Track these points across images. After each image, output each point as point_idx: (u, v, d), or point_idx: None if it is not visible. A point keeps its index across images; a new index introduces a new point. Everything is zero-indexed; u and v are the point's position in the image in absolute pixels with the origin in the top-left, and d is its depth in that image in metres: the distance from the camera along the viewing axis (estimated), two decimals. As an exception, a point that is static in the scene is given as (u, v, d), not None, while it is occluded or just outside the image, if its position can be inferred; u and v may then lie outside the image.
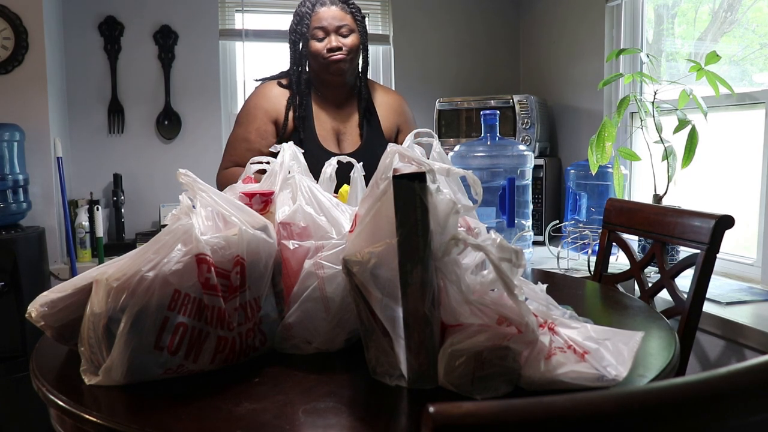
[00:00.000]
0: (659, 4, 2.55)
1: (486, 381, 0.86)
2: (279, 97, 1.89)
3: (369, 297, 0.91)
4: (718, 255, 1.44)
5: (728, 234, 1.45)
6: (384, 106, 1.97)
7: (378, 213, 0.91)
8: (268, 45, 3.03)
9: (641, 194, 2.57)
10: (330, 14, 1.82)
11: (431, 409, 0.43)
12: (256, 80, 1.96)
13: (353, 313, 0.97)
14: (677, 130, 2.02)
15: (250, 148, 1.86)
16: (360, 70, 1.94)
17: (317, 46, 1.82)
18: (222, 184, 1.89)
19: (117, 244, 2.68)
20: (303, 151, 1.79)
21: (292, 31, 1.87)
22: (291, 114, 1.87)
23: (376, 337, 0.92)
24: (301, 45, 1.87)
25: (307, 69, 1.91)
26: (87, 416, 0.84)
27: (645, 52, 2.23)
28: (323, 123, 1.89)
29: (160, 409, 0.87)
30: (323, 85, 1.88)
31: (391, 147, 1.05)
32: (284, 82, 1.92)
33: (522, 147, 2.24)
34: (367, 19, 3.13)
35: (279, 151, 1.24)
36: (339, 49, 1.81)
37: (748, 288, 1.93)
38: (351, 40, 1.84)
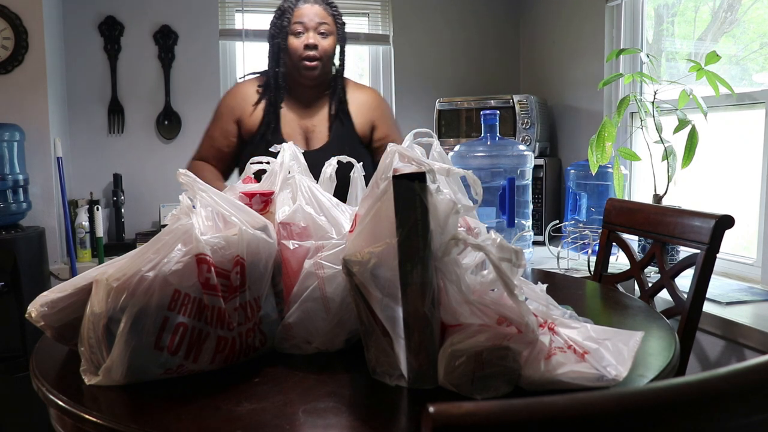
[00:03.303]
0: (659, 4, 2.55)
1: (486, 381, 0.86)
2: (248, 96, 1.89)
3: (369, 297, 0.91)
4: (718, 255, 1.44)
5: (728, 234, 1.45)
6: (357, 103, 1.95)
7: (378, 213, 0.91)
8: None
9: (641, 194, 2.57)
10: (312, 11, 1.82)
11: (431, 409, 0.43)
12: (240, 78, 1.98)
13: (353, 313, 0.97)
14: (677, 130, 2.02)
15: (213, 145, 1.93)
16: (336, 71, 1.94)
17: (295, 42, 1.82)
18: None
19: (117, 244, 2.68)
20: (270, 145, 1.82)
21: (272, 25, 1.87)
22: (256, 111, 1.87)
23: (376, 337, 0.92)
24: (279, 40, 1.86)
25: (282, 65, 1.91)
26: (87, 416, 0.84)
27: (645, 52, 2.23)
28: (291, 121, 1.89)
29: (160, 409, 0.87)
30: (295, 84, 1.88)
31: (391, 147, 1.04)
32: (261, 79, 1.93)
33: (522, 147, 2.24)
34: (367, 19, 3.14)
35: (279, 151, 1.24)
36: (315, 47, 1.81)
37: (748, 288, 1.93)
38: (328, 42, 1.84)
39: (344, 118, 1.92)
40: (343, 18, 1.89)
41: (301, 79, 1.86)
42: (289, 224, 1.12)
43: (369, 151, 1.96)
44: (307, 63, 1.82)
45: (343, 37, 1.89)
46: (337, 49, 1.90)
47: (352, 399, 0.90)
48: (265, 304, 1.04)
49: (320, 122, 1.92)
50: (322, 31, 1.82)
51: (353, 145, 1.90)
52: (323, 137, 1.91)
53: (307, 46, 1.81)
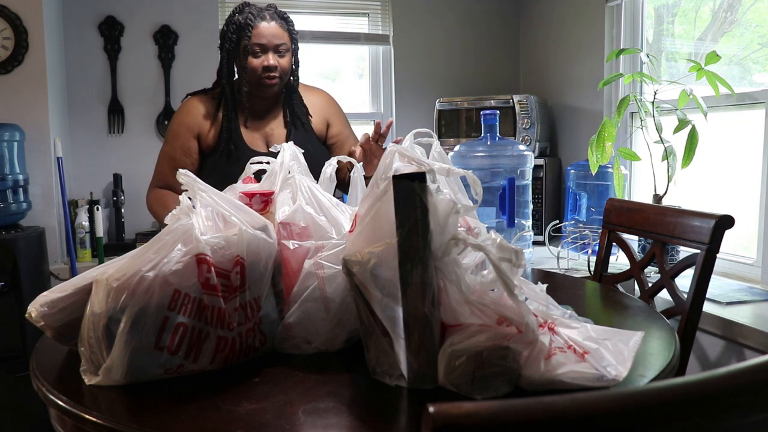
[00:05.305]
0: (659, 4, 2.55)
1: (486, 381, 0.86)
2: (201, 110, 1.91)
3: (369, 297, 0.91)
4: (718, 255, 1.44)
5: (728, 234, 1.45)
6: (311, 104, 2.00)
7: (378, 213, 0.91)
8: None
9: (641, 194, 2.57)
10: (270, 32, 1.83)
11: (431, 409, 0.43)
12: (188, 95, 1.97)
13: (353, 313, 0.97)
14: (677, 130, 2.02)
15: (175, 166, 1.86)
16: (291, 80, 1.96)
17: (254, 62, 1.85)
18: (150, 205, 1.91)
19: (117, 244, 2.68)
20: (233, 155, 1.85)
21: (226, 39, 1.88)
22: (214, 124, 1.89)
23: (376, 337, 0.92)
24: (233, 54, 1.88)
25: (236, 76, 1.92)
26: (87, 416, 0.84)
27: (645, 52, 2.23)
28: (250, 129, 1.92)
29: (160, 409, 0.87)
30: (252, 96, 1.90)
31: (391, 147, 1.04)
32: (210, 93, 1.94)
33: (522, 147, 2.24)
34: (367, 19, 3.14)
35: (279, 151, 1.24)
36: (275, 68, 1.84)
37: (748, 288, 1.93)
38: (286, 60, 1.87)
39: (302, 119, 1.97)
40: (296, 28, 1.92)
41: (260, 93, 1.90)
42: (289, 224, 1.12)
43: (326, 148, 2.03)
44: (267, 81, 1.86)
45: (297, 49, 1.92)
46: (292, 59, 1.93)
47: (352, 399, 0.90)
48: (265, 304, 1.04)
49: (277, 126, 1.96)
50: (280, 50, 1.86)
51: (314, 144, 1.96)
52: (282, 140, 1.95)
53: (267, 68, 1.84)
